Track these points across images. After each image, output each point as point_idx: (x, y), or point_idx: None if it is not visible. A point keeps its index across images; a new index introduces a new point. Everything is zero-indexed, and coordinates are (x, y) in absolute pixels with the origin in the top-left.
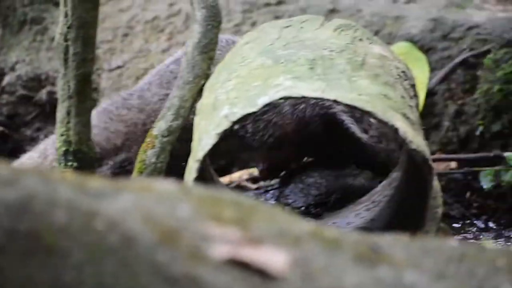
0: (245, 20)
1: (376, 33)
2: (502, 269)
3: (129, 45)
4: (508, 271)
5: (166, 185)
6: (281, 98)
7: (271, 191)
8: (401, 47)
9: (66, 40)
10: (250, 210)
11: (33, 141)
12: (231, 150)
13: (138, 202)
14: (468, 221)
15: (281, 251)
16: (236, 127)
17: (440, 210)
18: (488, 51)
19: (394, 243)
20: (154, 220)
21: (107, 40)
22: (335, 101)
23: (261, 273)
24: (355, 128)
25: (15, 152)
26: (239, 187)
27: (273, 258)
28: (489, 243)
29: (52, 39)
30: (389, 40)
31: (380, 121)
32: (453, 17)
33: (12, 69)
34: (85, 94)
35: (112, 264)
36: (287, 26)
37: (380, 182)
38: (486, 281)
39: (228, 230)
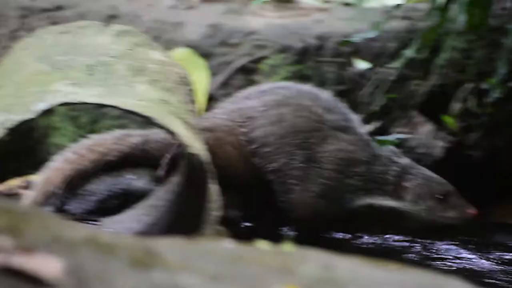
0: (22, 25)
1: (156, 39)
2: (275, 269)
3: None
4: (281, 271)
5: None
6: (60, 104)
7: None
8: (180, 53)
9: None
10: (23, 217)
11: None
12: None
13: None
14: (248, 224)
15: (55, 258)
16: None
17: (217, 213)
18: (265, 57)
19: (170, 246)
20: None
21: None
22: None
23: (34, 280)
24: None
25: None
26: (15, 195)
27: (46, 265)
28: (263, 244)
29: None
30: (169, 46)
31: (159, 126)
32: (231, 24)
33: None
34: None
35: None
36: (65, 32)
37: (160, 186)
38: (259, 281)
39: (0, 238)
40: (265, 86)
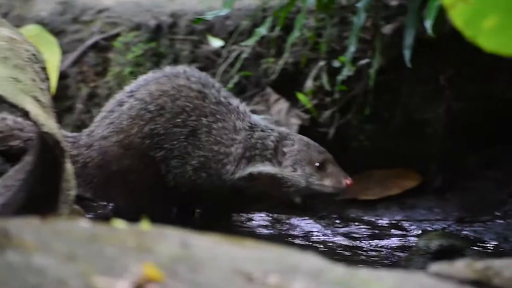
0: None
1: (5, 15)
2: (132, 248)
3: None
4: (138, 250)
5: None
6: None
7: None
8: (30, 30)
9: None
10: None
11: None
12: None
13: None
14: (101, 204)
15: None
16: None
17: (73, 192)
18: (118, 34)
19: (24, 227)
20: None
21: None
22: None
23: None
24: None
25: None
26: None
27: None
28: (120, 223)
29: None
30: (18, 22)
31: (10, 104)
32: (83, 0)
33: None
34: None
35: None
36: None
37: (12, 166)
38: (115, 261)
39: None
40: (133, 85)
